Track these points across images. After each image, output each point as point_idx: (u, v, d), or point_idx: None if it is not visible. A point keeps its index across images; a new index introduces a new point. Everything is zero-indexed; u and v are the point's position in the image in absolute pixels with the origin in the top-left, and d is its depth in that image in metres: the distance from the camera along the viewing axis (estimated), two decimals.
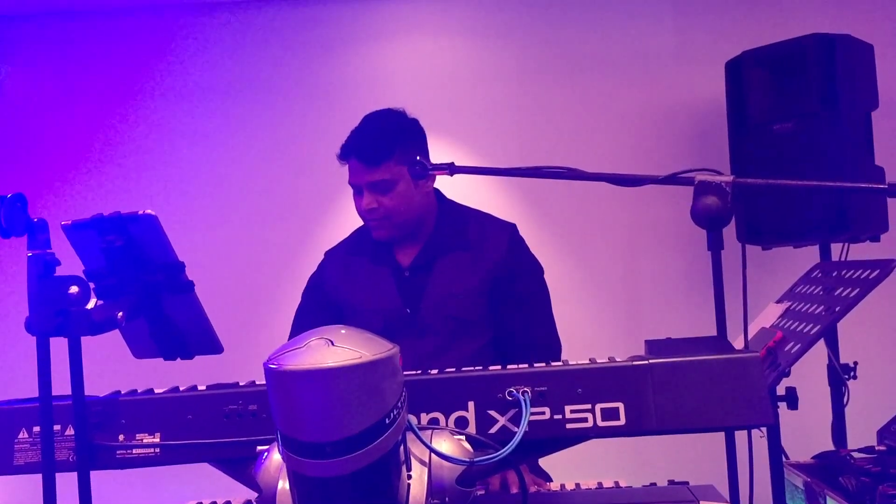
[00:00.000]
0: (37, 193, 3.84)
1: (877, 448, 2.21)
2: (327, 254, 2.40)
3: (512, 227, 2.30)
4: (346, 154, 2.21)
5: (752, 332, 2.09)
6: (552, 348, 2.24)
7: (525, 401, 1.26)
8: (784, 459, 2.14)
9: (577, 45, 4.02)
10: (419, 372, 1.36)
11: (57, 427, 1.34)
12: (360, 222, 2.36)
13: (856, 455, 2.17)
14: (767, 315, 2.16)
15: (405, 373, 1.19)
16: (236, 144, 4.13)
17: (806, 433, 2.66)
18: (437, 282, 2.20)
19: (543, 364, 1.33)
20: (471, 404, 1.30)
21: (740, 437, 1.53)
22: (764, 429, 1.91)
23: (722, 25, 3.91)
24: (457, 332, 2.17)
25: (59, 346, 1.24)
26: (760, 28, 3.62)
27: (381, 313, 2.19)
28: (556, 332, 2.28)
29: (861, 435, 2.59)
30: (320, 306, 2.31)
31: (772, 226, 3.23)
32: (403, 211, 2.17)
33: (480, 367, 1.36)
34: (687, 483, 1.61)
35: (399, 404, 1.09)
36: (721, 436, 1.48)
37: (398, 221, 2.18)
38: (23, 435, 1.37)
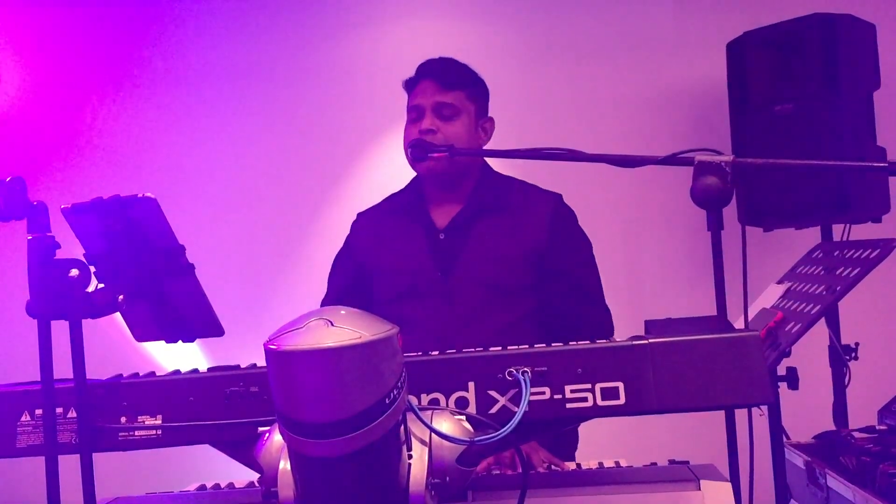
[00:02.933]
0: (36, 177, 3.84)
1: (877, 428, 2.22)
2: (359, 215, 2.35)
3: (557, 198, 2.23)
4: (420, 74, 2.19)
5: (752, 313, 2.09)
6: (603, 325, 2.16)
7: (525, 381, 1.27)
8: (785, 439, 2.15)
9: (577, 27, 4.00)
10: (419, 353, 1.36)
11: (59, 410, 1.35)
12: (367, 202, 2.34)
13: (857, 435, 2.18)
14: (768, 296, 2.16)
15: (407, 353, 1.20)
16: (237, 128, 4.12)
17: (807, 413, 2.67)
18: (474, 245, 2.13)
19: (543, 344, 1.34)
20: (471, 385, 1.30)
21: (741, 416, 1.53)
22: (764, 408, 1.92)
23: (722, 6, 3.89)
24: (491, 300, 2.10)
25: (60, 331, 1.24)
26: (761, 8, 3.60)
27: (409, 274, 2.14)
28: (606, 307, 2.20)
29: (862, 415, 2.59)
30: (346, 268, 2.27)
31: (773, 208, 3.22)
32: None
33: (480, 348, 1.36)
34: (687, 462, 1.61)
35: (399, 384, 1.10)
36: (721, 415, 1.49)
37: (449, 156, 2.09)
38: (25, 418, 1.38)
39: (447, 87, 2.15)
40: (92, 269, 1.29)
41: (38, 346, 1.22)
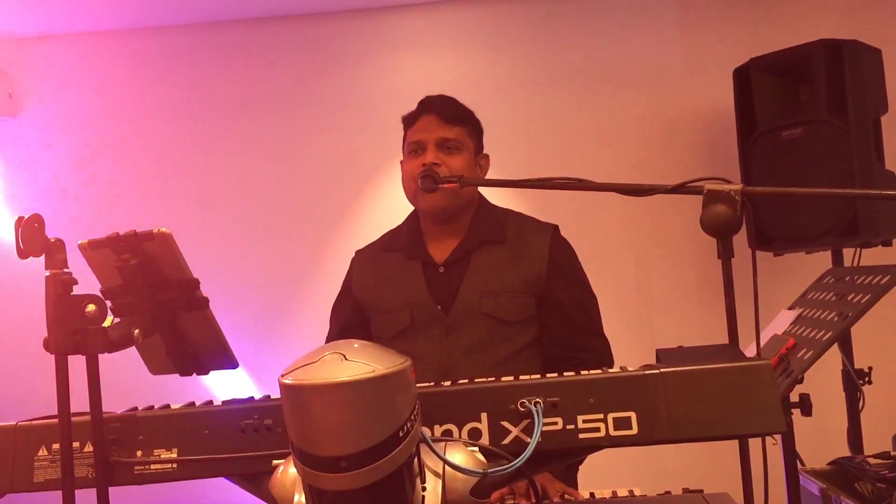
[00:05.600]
0: (52, 212, 3.87)
1: (892, 453, 2.20)
2: (357, 253, 2.35)
3: (554, 229, 2.24)
4: (422, 109, 2.20)
5: (764, 340, 2.08)
6: (601, 355, 2.17)
7: (537, 411, 1.27)
8: (799, 465, 2.14)
9: (585, 55, 4.04)
10: (431, 384, 1.36)
11: (76, 444, 1.35)
12: (376, 232, 2.35)
13: (871, 461, 2.16)
14: (780, 322, 2.16)
15: (419, 384, 1.20)
16: (248, 160, 4.16)
17: (821, 439, 2.65)
18: (473, 278, 2.14)
19: (555, 374, 1.34)
20: (483, 415, 1.30)
21: (754, 444, 1.53)
22: (778, 436, 1.91)
23: (729, 33, 3.92)
24: (492, 332, 2.10)
25: (76, 364, 1.26)
26: (768, 35, 3.63)
27: (409, 309, 2.14)
28: (604, 337, 2.21)
29: (877, 440, 2.58)
30: (346, 308, 2.28)
31: (783, 232, 3.23)
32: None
33: (492, 379, 1.36)
34: (701, 491, 1.61)
35: (412, 417, 1.10)
36: (735, 443, 1.48)
37: (452, 190, 2.08)
38: (42, 452, 1.39)
39: (449, 122, 2.16)
40: (108, 303, 1.30)
41: (56, 380, 1.23)
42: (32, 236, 1.24)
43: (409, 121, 2.23)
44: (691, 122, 3.94)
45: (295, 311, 4.00)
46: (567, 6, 4.06)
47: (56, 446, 1.38)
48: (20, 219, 1.24)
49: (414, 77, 4.05)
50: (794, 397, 1.95)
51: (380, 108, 4.02)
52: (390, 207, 3.43)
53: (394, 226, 2.36)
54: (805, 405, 1.96)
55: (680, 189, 1.61)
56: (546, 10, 4.07)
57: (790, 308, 2.17)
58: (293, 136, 4.14)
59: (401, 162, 2.25)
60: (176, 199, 4.14)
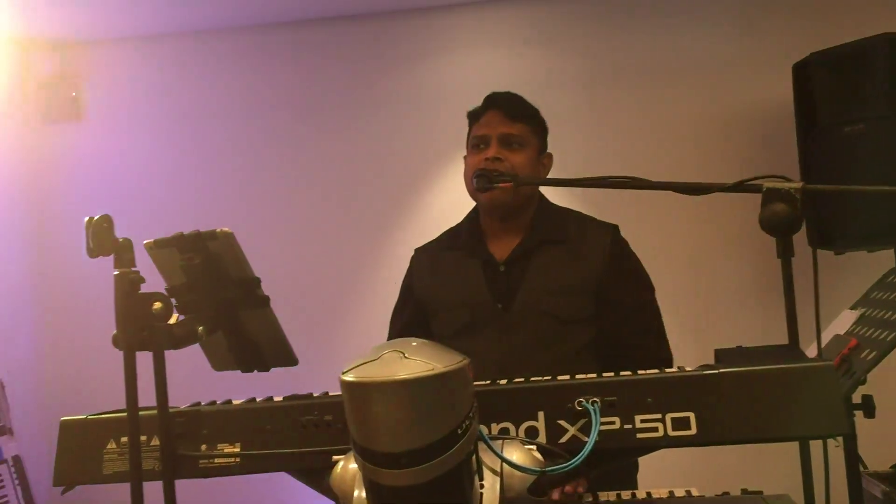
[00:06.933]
0: (118, 213, 3.98)
1: None
2: (417, 251, 2.37)
3: (614, 229, 2.22)
4: (486, 105, 2.21)
5: (825, 340, 2.05)
6: (661, 355, 2.14)
7: (595, 411, 1.27)
8: (862, 468, 2.10)
9: (642, 51, 4.00)
10: (489, 382, 1.37)
11: (143, 437, 1.39)
12: (431, 229, 2.36)
13: None
14: (841, 322, 2.13)
15: (476, 383, 1.21)
16: (308, 160, 4.22)
17: (885, 441, 2.60)
18: (534, 277, 2.13)
19: (612, 374, 1.34)
20: (541, 414, 1.31)
21: (815, 445, 1.51)
22: (840, 438, 1.87)
23: (788, 28, 3.85)
24: (551, 331, 2.09)
25: (144, 360, 1.29)
26: (827, 29, 3.55)
27: (468, 307, 2.14)
28: (666, 339, 2.18)
29: None
30: (406, 306, 2.30)
31: (844, 230, 3.16)
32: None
33: (549, 378, 1.36)
34: (761, 492, 1.59)
35: (470, 415, 1.11)
36: (796, 444, 1.47)
37: (514, 185, 2.07)
38: (111, 445, 1.43)
39: (513, 118, 2.16)
40: (173, 301, 1.34)
41: (124, 376, 1.27)
42: (101, 236, 1.28)
43: (474, 116, 2.25)
44: (750, 118, 3.87)
45: (353, 308, 4.05)
46: (623, 3, 4.03)
47: (124, 439, 1.42)
48: (90, 219, 1.27)
49: (469, 76, 4.06)
50: (856, 398, 1.92)
51: (436, 106, 4.04)
52: (446, 206, 3.45)
53: (450, 224, 2.36)
54: (868, 407, 1.92)
55: (738, 187, 1.59)
56: (601, 7, 4.04)
57: (852, 308, 2.14)
58: (351, 135, 4.19)
59: (464, 157, 2.27)
60: (238, 199, 4.21)
